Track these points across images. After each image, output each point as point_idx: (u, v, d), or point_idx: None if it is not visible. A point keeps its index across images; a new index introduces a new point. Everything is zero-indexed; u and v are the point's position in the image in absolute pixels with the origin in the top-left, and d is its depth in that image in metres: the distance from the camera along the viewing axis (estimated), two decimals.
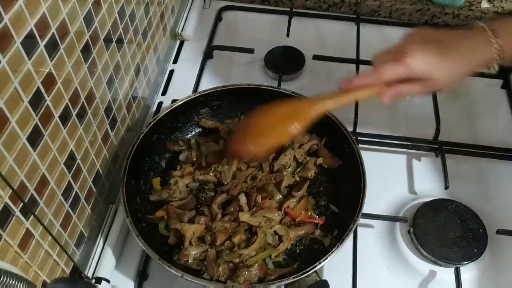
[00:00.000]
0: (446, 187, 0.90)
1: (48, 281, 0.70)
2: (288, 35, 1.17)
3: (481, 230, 0.85)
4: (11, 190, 0.58)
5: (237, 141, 0.81)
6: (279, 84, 1.06)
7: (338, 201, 0.88)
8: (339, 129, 0.89)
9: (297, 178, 0.90)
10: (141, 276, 0.84)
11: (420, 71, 0.68)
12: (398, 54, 0.69)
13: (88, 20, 0.73)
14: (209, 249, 0.80)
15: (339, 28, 1.25)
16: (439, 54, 0.68)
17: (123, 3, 0.85)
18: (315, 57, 1.13)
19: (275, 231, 0.83)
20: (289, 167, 0.91)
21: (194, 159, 0.92)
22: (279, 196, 0.87)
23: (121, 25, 0.85)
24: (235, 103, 0.98)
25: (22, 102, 0.59)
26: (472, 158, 0.98)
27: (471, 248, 0.84)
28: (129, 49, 0.90)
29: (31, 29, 0.58)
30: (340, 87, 0.74)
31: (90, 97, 0.77)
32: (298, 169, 0.92)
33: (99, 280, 0.80)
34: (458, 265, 0.82)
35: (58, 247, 0.72)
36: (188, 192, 0.89)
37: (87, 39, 0.73)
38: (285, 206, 0.85)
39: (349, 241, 0.77)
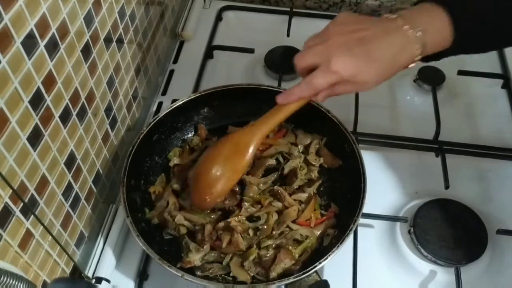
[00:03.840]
0: (446, 187, 0.90)
1: (48, 281, 0.70)
2: (288, 35, 1.17)
3: (481, 230, 0.85)
4: (11, 190, 0.58)
5: (196, 196, 0.82)
6: (279, 84, 1.06)
7: (338, 201, 0.88)
8: (339, 129, 0.89)
9: (305, 180, 0.90)
10: (141, 276, 0.84)
11: (349, 76, 0.67)
12: (324, 60, 0.67)
13: (88, 20, 0.73)
14: (228, 257, 0.80)
15: None
16: (365, 59, 0.66)
17: (123, 3, 0.85)
18: None
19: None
20: (303, 169, 0.90)
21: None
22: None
23: (121, 25, 0.85)
24: (235, 103, 0.98)
25: (22, 102, 0.59)
26: (472, 158, 0.98)
27: (471, 248, 0.84)
28: (129, 49, 0.90)
29: (31, 29, 0.59)
30: (278, 103, 0.75)
31: (90, 97, 0.77)
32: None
33: (99, 280, 0.80)
34: (458, 265, 0.82)
35: (59, 247, 0.72)
36: None
37: (87, 39, 0.73)
38: (292, 197, 0.86)
39: (349, 241, 0.77)
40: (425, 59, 0.69)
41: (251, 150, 0.78)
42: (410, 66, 0.69)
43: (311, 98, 0.73)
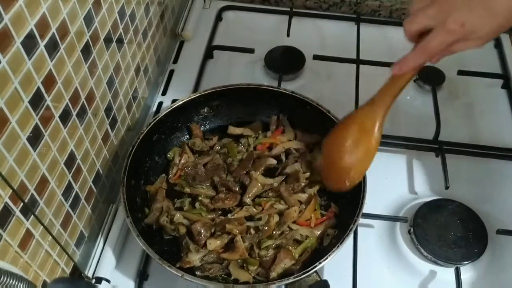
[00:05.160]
0: (446, 187, 0.90)
1: (48, 281, 0.70)
2: (288, 35, 1.17)
3: (481, 230, 0.85)
4: (11, 190, 0.58)
5: (334, 183, 0.84)
6: (279, 84, 1.06)
7: (338, 200, 0.88)
8: None
9: (306, 182, 0.90)
10: (141, 276, 0.84)
11: (468, 32, 0.64)
12: (439, 21, 0.64)
13: (88, 20, 0.73)
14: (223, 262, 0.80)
15: (339, 28, 1.25)
16: (484, 12, 0.64)
17: (123, 3, 0.85)
18: (315, 57, 1.13)
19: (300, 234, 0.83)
20: (304, 172, 0.90)
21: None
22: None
23: (121, 25, 0.85)
24: (235, 103, 0.98)
25: (22, 102, 0.59)
26: (472, 158, 0.98)
27: (471, 248, 0.84)
28: (129, 49, 0.90)
29: (31, 29, 0.59)
30: (394, 74, 0.72)
31: (90, 97, 0.77)
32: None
33: (99, 280, 0.80)
34: (458, 265, 0.82)
35: (58, 247, 0.72)
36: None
37: (87, 39, 0.73)
38: (292, 197, 0.86)
39: (349, 241, 0.77)
40: None
41: (378, 127, 0.75)
42: None
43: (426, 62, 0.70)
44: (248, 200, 0.86)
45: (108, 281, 0.81)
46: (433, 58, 0.69)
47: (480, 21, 0.64)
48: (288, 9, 1.24)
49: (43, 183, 0.66)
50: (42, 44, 0.61)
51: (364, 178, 0.82)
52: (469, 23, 0.63)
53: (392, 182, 0.96)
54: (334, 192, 0.85)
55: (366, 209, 0.79)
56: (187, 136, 0.98)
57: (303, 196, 0.87)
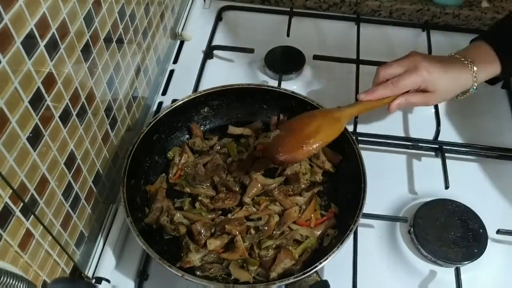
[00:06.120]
0: (446, 187, 0.90)
1: (48, 281, 0.70)
2: (288, 35, 1.17)
3: (481, 230, 0.85)
4: (11, 190, 0.58)
5: (288, 146, 0.82)
6: (279, 84, 1.06)
7: (338, 201, 0.88)
8: None
9: (306, 182, 0.90)
10: (141, 276, 0.84)
11: (430, 80, 0.83)
12: (410, 67, 0.83)
13: (88, 20, 0.73)
14: (224, 262, 0.80)
15: (339, 28, 1.25)
16: (442, 70, 0.84)
17: (123, 3, 0.85)
18: (315, 57, 1.13)
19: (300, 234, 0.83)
20: (305, 175, 0.90)
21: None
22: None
23: (121, 25, 0.85)
24: (235, 103, 0.98)
25: (22, 102, 0.59)
26: (472, 158, 0.99)
27: (471, 248, 0.84)
28: (129, 49, 0.90)
29: (31, 29, 0.59)
30: (359, 99, 0.84)
31: (90, 97, 0.77)
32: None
33: (99, 280, 0.80)
34: (458, 265, 0.82)
35: (58, 247, 0.72)
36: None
37: (87, 39, 0.73)
38: (292, 198, 0.86)
39: (349, 241, 0.77)
40: (489, 82, 0.93)
41: (342, 123, 0.84)
42: (470, 89, 0.89)
43: (389, 102, 0.85)
44: (248, 200, 0.86)
45: (108, 281, 0.81)
46: (393, 103, 0.85)
47: (437, 73, 0.84)
48: (288, 9, 1.24)
49: (43, 183, 0.66)
50: (42, 44, 0.61)
51: (364, 178, 0.82)
52: (432, 73, 0.84)
53: (392, 182, 0.96)
54: (279, 164, 0.87)
55: (366, 209, 0.79)
56: (187, 136, 0.98)
57: (300, 200, 0.87)
